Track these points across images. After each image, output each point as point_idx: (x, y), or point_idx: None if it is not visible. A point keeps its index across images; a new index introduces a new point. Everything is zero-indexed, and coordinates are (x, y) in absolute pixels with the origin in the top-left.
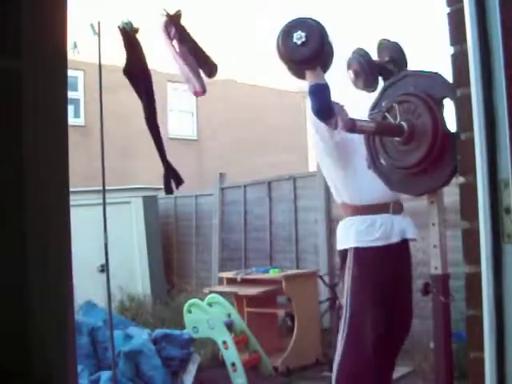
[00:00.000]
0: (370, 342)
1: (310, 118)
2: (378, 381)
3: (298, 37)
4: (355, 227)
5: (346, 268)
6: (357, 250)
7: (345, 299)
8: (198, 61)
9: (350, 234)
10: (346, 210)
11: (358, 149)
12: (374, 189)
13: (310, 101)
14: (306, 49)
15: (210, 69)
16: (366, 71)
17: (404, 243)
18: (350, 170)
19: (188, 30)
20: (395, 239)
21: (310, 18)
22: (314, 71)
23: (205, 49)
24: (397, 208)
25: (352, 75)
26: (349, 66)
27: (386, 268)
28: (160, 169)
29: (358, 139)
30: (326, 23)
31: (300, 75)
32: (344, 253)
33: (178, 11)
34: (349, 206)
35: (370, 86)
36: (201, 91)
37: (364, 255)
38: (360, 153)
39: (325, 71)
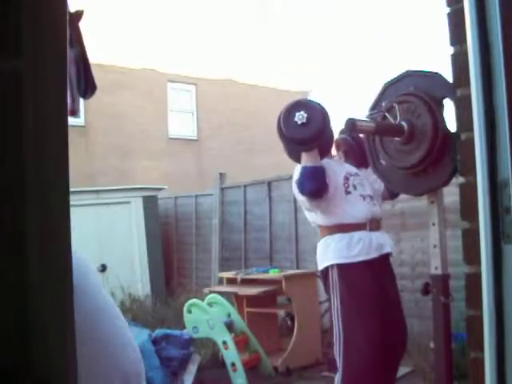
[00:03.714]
0: (367, 355)
1: (296, 192)
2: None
3: (300, 117)
4: (334, 244)
5: (329, 286)
6: (338, 266)
7: (335, 316)
8: (79, 73)
9: (329, 252)
10: (323, 230)
11: (336, 177)
12: (352, 211)
13: (302, 181)
14: (306, 129)
15: (87, 88)
16: (355, 149)
17: (384, 257)
18: (330, 200)
19: (83, 35)
20: (374, 254)
21: (314, 101)
22: (311, 153)
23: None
24: (374, 225)
25: (342, 156)
26: (338, 148)
27: (369, 281)
28: (160, 169)
29: (334, 165)
30: (326, 20)
31: (295, 156)
32: (325, 272)
33: (80, 11)
34: (325, 226)
35: (361, 164)
36: (70, 111)
37: (346, 271)
38: (337, 180)
39: (322, 156)
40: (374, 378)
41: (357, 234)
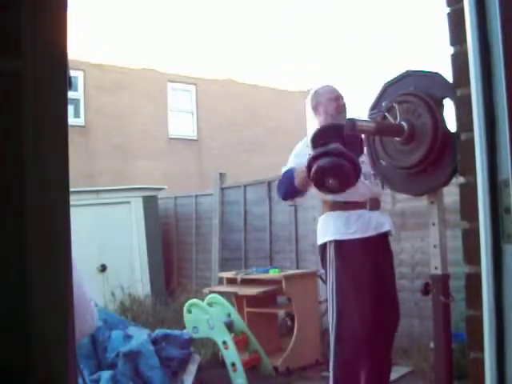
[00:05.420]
0: (359, 329)
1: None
2: (374, 367)
3: (332, 184)
4: (333, 221)
5: (327, 261)
6: (336, 242)
7: (330, 290)
8: None
9: (329, 229)
10: (325, 206)
11: None
12: (353, 190)
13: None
14: (340, 189)
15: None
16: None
17: (382, 236)
18: None
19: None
20: (372, 232)
21: (339, 156)
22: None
23: None
24: (374, 204)
25: None
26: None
27: (365, 258)
28: (160, 169)
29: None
30: (326, 20)
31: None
32: (324, 247)
33: None
34: (327, 202)
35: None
36: None
37: (343, 247)
38: None
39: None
40: (367, 351)
41: (356, 212)
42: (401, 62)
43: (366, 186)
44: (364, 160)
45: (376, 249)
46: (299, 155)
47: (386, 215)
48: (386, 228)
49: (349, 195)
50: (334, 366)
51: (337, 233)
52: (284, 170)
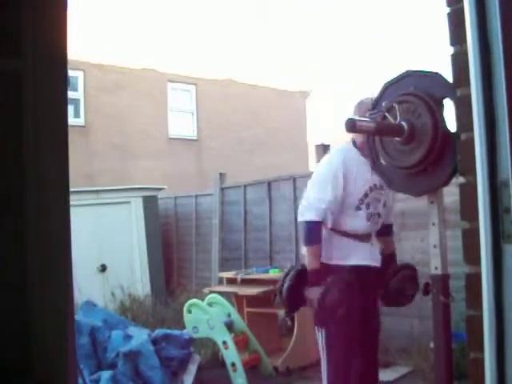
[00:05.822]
0: (348, 330)
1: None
2: (364, 367)
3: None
4: (326, 245)
5: None
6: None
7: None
8: None
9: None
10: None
11: (356, 191)
12: (350, 224)
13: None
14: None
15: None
16: None
17: (365, 269)
18: (337, 210)
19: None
20: (352, 262)
21: None
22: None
23: None
24: (365, 238)
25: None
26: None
27: (341, 284)
28: (160, 169)
29: (363, 174)
30: (326, 20)
31: None
32: None
33: None
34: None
35: None
36: None
37: (325, 271)
38: (355, 195)
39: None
40: (355, 350)
41: (344, 240)
42: (401, 61)
43: (365, 224)
44: (379, 197)
45: (356, 279)
46: (334, 178)
47: (374, 249)
48: (365, 262)
49: (343, 226)
50: (326, 367)
51: (325, 256)
52: (313, 208)
